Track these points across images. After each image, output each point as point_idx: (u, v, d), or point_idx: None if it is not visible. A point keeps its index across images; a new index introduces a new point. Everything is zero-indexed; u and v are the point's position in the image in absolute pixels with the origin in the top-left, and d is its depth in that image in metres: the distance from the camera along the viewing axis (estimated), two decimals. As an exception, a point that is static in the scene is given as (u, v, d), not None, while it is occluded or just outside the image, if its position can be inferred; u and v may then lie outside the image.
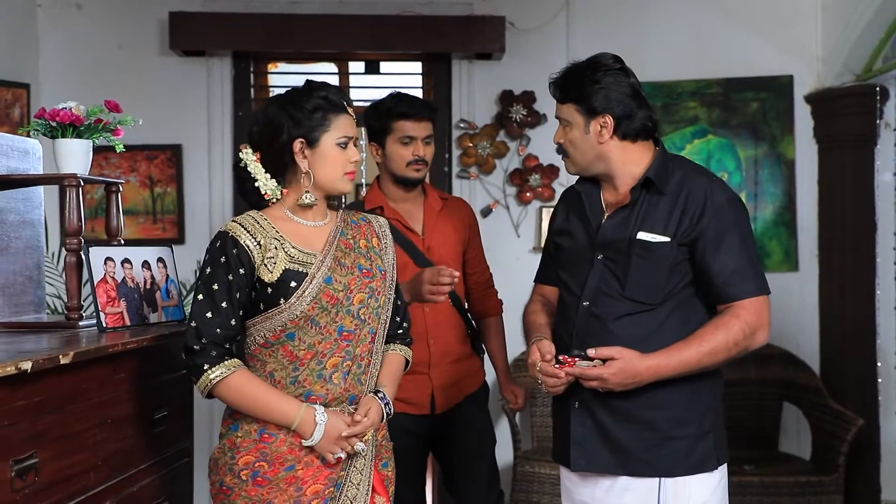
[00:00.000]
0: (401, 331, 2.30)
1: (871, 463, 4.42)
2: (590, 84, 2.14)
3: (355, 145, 2.14)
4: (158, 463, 2.39)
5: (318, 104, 2.10)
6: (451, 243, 2.90)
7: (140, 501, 2.29)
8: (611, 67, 2.16)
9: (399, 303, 2.29)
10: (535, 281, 2.48)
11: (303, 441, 2.04)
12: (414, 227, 2.87)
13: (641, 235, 2.11)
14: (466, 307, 3.02)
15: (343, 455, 2.06)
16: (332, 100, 2.11)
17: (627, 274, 2.12)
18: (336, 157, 2.10)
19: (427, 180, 3.02)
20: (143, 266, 2.53)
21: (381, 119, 2.84)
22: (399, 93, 2.90)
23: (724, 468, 2.20)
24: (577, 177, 2.30)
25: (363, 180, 5.13)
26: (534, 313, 2.36)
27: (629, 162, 2.17)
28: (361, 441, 2.09)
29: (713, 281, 2.09)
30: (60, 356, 1.87)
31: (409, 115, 2.81)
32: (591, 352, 2.06)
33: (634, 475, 2.13)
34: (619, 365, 2.04)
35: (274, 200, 2.16)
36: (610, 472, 2.16)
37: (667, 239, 2.09)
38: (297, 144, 2.10)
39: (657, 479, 2.11)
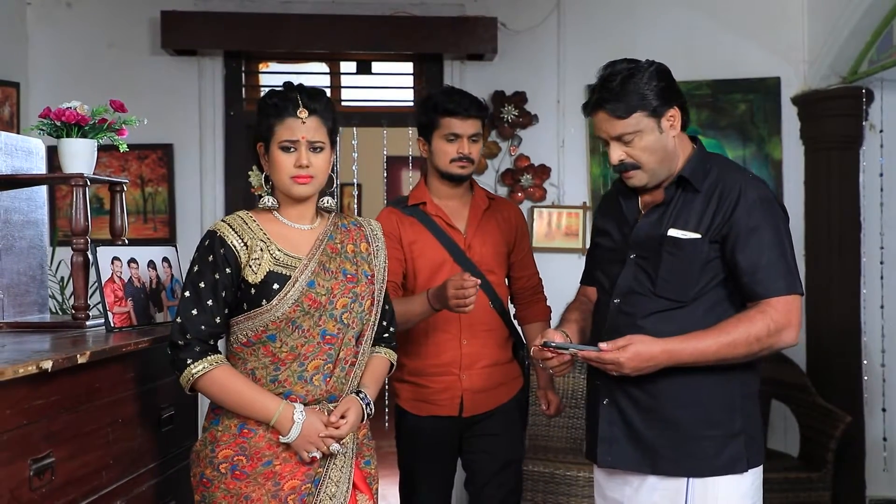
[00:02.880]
0: (386, 334, 2.31)
1: (856, 459, 4.49)
2: (648, 84, 2.09)
3: (315, 150, 2.12)
4: (166, 462, 2.40)
5: (269, 110, 2.13)
6: (492, 243, 2.83)
7: (148, 500, 2.30)
8: (648, 65, 2.13)
9: (387, 307, 2.30)
10: (580, 282, 2.48)
11: (280, 437, 2.06)
12: (456, 225, 2.81)
13: (672, 232, 2.10)
14: (513, 313, 2.93)
15: (318, 455, 2.08)
16: (279, 104, 2.12)
17: (658, 271, 2.11)
18: (280, 161, 2.11)
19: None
20: (148, 266, 2.53)
21: (428, 114, 2.78)
22: (450, 88, 2.84)
23: (757, 471, 2.16)
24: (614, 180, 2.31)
25: (355, 180, 5.13)
26: (568, 311, 2.38)
27: (680, 155, 2.16)
28: (338, 443, 2.10)
29: (741, 278, 2.06)
30: (78, 355, 1.87)
31: (455, 113, 2.73)
32: (602, 345, 2.04)
33: (661, 474, 2.12)
34: (633, 349, 2.01)
35: (263, 195, 2.19)
36: (638, 471, 2.15)
37: (697, 235, 2.08)
38: (259, 147, 2.16)
39: (685, 479, 2.10)
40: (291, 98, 2.12)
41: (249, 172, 2.21)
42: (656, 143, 2.12)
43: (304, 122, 2.10)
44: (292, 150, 2.10)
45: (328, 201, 2.22)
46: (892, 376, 4.62)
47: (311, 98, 2.14)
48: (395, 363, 2.34)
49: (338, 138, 2.23)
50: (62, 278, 4.00)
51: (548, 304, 3.01)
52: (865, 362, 4.57)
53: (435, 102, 2.78)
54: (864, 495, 4.55)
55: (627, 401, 2.15)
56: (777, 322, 2.03)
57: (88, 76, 4.48)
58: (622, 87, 2.10)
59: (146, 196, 4.58)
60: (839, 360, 4.51)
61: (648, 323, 2.12)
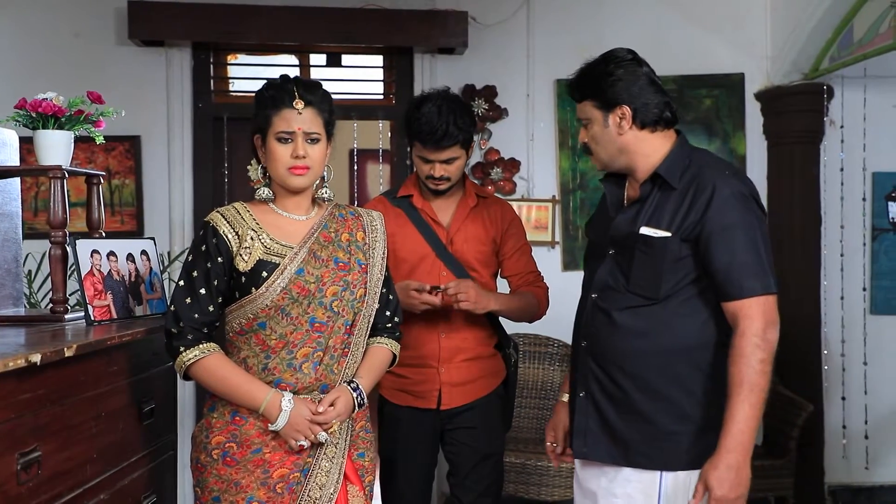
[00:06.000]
0: (389, 324, 2.32)
1: (815, 447, 4.61)
2: (604, 78, 2.13)
3: (311, 141, 2.13)
4: (147, 455, 2.39)
5: (265, 101, 2.15)
6: (475, 241, 2.81)
7: (131, 494, 2.29)
8: (624, 59, 2.16)
9: (391, 297, 2.32)
10: None
11: (269, 425, 2.09)
12: (441, 220, 2.81)
13: (644, 230, 2.11)
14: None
15: (306, 444, 2.10)
16: (275, 95, 2.14)
17: (631, 268, 2.14)
18: (277, 152, 2.13)
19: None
20: (127, 259, 2.52)
21: (406, 129, 2.75)
22: (426, 108, 2.68)
23: None
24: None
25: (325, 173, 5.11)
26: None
27: (649, 153, 2.16)
28: (326, 432, 2.12)
29: (715, 277, 2.05)
30: (65, 348, 1.86)
31: (424, 142, 2.69)
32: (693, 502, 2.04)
33: (635, 467, 2.14)
34: (716, 482, 1.98)
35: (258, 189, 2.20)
36: (612, 462, 2.18)
37: (667, 234, 2.08)
38: (257, 140, 2.19)
39: (658, 472, 2.12)
40: (287, 89, 2.14)
41: (248, 167, 2.22)
42: (602, 136, 2.17)
43: (300, 114, 2.13)
44: (289, 141, 2.12)
45: (326, 192, 2.23)
46: (852, 366, 4.76)
47: (307, 90, 2.16)
48: (397, 354, 2.33)
49: (334, 130, 2.23)
50: (29, 271, 3.94)
51: (547, 296, 2.89)
52: (826, 352, 4.69)
53: (409, 122, 2.72)
54: (822, 482, 4.67)
55: (602, 394, 2.18)
56: (759, 332, 2.01)
57: (53, 66, 4.41)
58: (587, 74, 2.18)
59: (113, 188, 4.53)
60: (800, 350, 4.61)
61: (623, 318, 2.14)
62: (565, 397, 2.40)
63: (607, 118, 2.15)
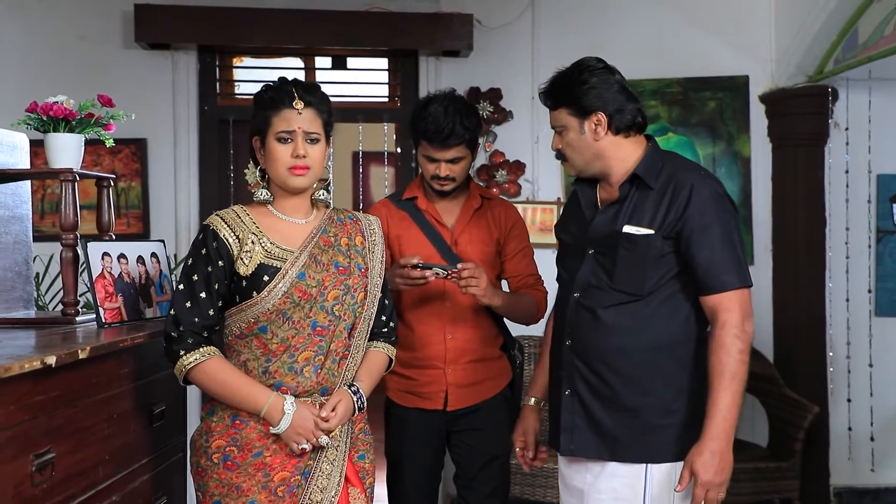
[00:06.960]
0: (385, 329, 2.33)
1: (821, 449, 4.61)
2: (578, 86, 2.19)
3: (311, 141, 2.15)
4: (157, 457, 2.40)
5: (265, 103, 2.16)
6: (479, 242, 2.83)
7: (142, 496, 2.30)
8: (595, 67, 2.22)
9: (386, 301, 2.33)
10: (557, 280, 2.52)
11: (270, 428, 2.09)
12: (445, 222, 2.83)
13: (627, 229, 2.18)
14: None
15: (308, 447, 2.11)
16: (274, 97, 2.15)
17: (615, 266, 2.19)
18: (277, 152, 2.14)
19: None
20: (137, 261, 2.52)
21: (412, 129, 2.77)
22: (436, 109, 2.69)
23: None
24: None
25: (330, 176, 5.12)
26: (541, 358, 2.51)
27: (624, 158, 2.23)
28: (328, 436, 2.13)
29: (696, 272, 2.14)
30: (79, 350, 1.87)
31: (431, 141, 2.71)
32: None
33: (621, 461, 2.19)
34: (702, 468, 2.06)
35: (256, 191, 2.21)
36: (598, 458, 2.22)
37: (651, 232, 2.15)
38: (255, 142, 2.20)
39: (644, 465, 2.17)
40: (287, 90, 2.16)
41: (246, 170, 2.23)
42: (578, 143, 2.23)
43: (300, 113, 2.14)
44: (289, 140, 2.14)
45: (324, 194, 2.24)
46: (857, 368, 4.76)
47: (307, 91, 2.18)
48: (393, 358, 2.35)
49: (333, 132, 2.25)
50: (37, 274, 3.95)
51: (546, 300, 2.88)
52: (831, 354, 4.69)
53: (414, 122, 2.73)
54: (828, 484, 4.67)
55: (588, 391, 2.23)
56: (737, 324, 2.10)
57: (59, 69, 4.44)
58: (560, 82, 2.24)
59: (119, 191, 4.54)
60: (806, 352, 4.62)
61: (608, 315, 2.20)
62: (532, 401, 2.49)
63: (583, 125, 2.22)
